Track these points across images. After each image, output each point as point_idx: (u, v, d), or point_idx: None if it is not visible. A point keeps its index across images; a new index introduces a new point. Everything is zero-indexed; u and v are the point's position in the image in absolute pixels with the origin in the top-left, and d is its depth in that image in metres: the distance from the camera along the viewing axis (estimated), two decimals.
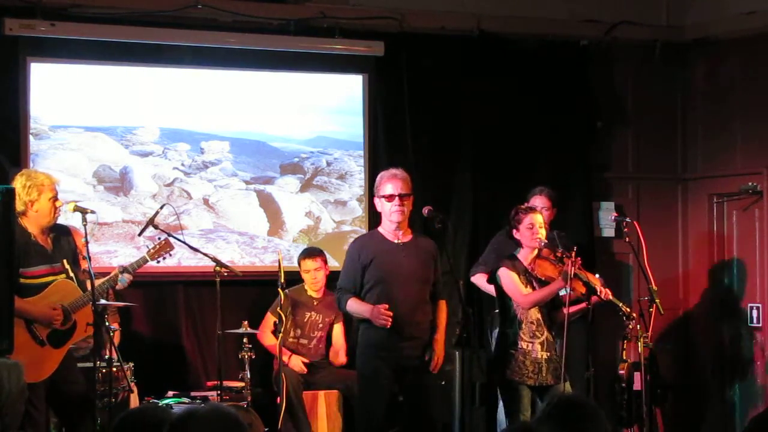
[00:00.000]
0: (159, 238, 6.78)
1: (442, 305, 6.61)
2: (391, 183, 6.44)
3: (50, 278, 6.25)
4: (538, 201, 7.65)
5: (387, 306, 6.27)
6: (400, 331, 6.33)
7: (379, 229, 6.61)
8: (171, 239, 6.77)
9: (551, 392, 6.59)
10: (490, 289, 7.01)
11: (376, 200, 6.56)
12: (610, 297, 6.85)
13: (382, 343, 6.36)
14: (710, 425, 8.96)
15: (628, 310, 7.14)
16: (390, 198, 6.42)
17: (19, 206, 6.12)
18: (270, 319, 7.72)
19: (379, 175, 6.63)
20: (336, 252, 8.12)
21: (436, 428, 6.56)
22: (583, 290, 6.68)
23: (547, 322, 6.69)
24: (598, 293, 6.71)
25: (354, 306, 6.46)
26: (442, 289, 6.70)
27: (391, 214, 6.44)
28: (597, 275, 6.93)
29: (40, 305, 6.17)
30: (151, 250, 6.67)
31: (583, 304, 6.84)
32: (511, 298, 6.67)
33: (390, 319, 6.24)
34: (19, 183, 6.22)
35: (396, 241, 6.47)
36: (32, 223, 6.22)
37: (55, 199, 6.25)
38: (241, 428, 3.04)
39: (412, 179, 6.61)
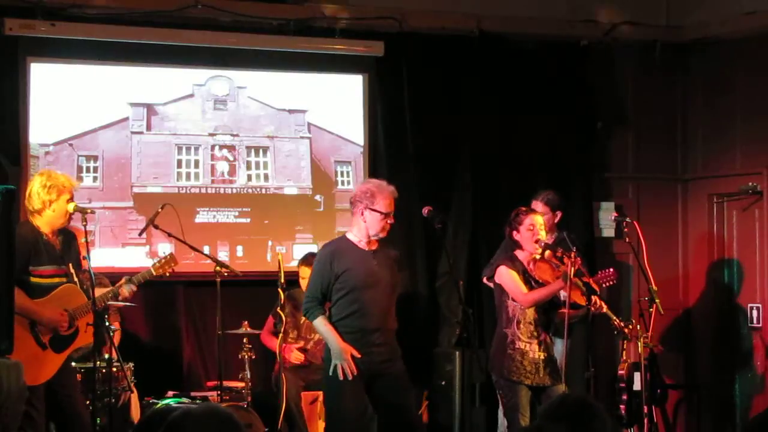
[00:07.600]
0: (164, 253, 6.74)
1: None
2: (389, 201, 6.33)
3: (57, 279, 6.21)
4: (536, 207, 7.65)
5: (358, 355, 6.21)
6: (371, 337, 6.28)
7: (348, 235, 6.44)
8: (171, 237, 6.76)
9: (549, 393, 6.59)
10: None
11: (365, 210, 6.32)
12: (604, 310, 6.87)
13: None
14: (710, 425, 8.96)
15: (621, 324, 7.16)
16: (387, 216, 6.33)
17: (37, 204, 6.10)
18: (271, 321, 7.70)
19: (373, 187, 6.39)
20: None
21: (415, 430, 6.52)
22: (583, 302, 6.68)
23: (544, 322, 6.69)
24: (594, 304, 6.70)
25: (324, 331, 6.32)
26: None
27: (382, 231, 6.36)
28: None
29: (49, 308, 6.13)
30: (156, 265, 6.63)
31: (582, 310, 6.84)
32: (510, 297, 6.67)
33: (351, 374, 6.19)
34: (38, 182, 6.18)
35: (367, 249, 6.40)
36: (45, 223, 6.17)
37: (70, 201, 6.20)
38: (237, 427, 3.04)
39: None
